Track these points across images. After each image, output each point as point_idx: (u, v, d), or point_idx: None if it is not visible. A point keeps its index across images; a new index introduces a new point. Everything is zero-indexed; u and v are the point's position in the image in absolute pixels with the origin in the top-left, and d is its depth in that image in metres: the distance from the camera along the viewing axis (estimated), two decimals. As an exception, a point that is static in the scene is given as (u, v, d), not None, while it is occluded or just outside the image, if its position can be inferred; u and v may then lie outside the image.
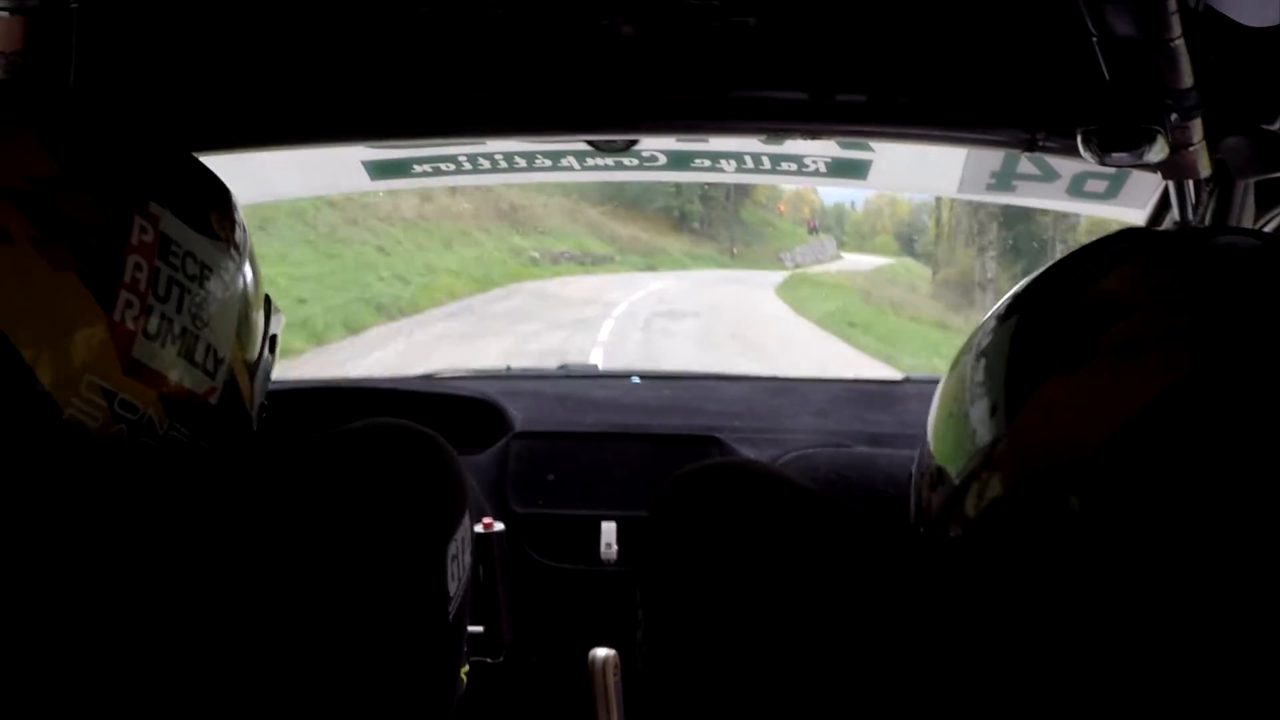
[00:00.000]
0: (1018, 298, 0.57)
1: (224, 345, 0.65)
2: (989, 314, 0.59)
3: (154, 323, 0.60)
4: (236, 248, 0.67)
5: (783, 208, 29.96)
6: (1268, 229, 1.12)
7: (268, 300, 0.74)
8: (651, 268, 22.24)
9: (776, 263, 29.28)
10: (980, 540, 0.53)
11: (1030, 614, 0.48)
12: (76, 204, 0.58)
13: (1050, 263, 0.59)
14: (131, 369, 0.59)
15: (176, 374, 0.61)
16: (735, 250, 28.39)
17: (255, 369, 0.71)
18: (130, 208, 0.60)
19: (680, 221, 27.56)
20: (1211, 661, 0.44)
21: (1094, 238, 0.59)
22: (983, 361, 0.56)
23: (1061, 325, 0.52)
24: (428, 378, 1.90)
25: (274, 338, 0.74)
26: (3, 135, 0.59)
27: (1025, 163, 1.50)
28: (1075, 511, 0.48)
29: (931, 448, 0.59)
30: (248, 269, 0.69)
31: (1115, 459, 0.47)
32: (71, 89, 0.86)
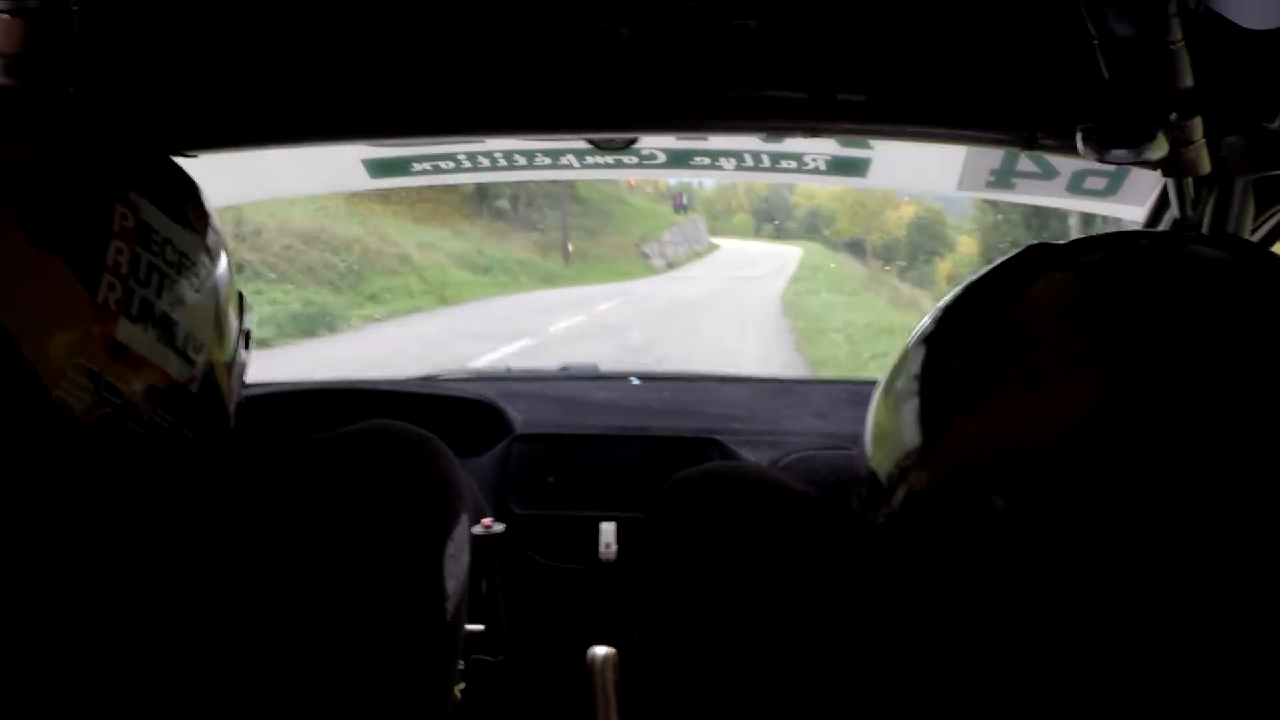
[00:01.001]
0: (933, 322, 0.57)
1: (202, 333, 0.66)
2: (914, 330, 0.59)
3: (136, 307, 0.61)
4: (210, 241, 0.69)
5: (632, 181, 20.74)
6: (1267, 227, 1.12)
7: (241, 297, 0.75)
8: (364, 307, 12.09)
9: (638, 261, 22.84)
10: (899, 531, 0.53)
11: (954, 610, 0.48)
12: (59, 190, 0.59)
13: (968, 281, 0.59)
14: (116, 352, 0.60)
15: (159, 359, 0.62)
16: (571, 246, 20.47)
17: (232, 362, 0.72)
18: (110, 195, 0.61)
19: (479, 202, 17.99)
20: (1121, 665, 0.45)
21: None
22: (899, 384, 0.56)
23: (970, 356, 0.52)
24: (428, 379, 1.90)
25: (248, 333, 0.75)
26: None
27: (1025, 160, 1.50)
28: (993, 518, 0.48)
29: (867, 453, 0.59)
30: (222, 263, 0.70)
31: (1028, 490, 0.47)
32: (64, 91, 0.86)
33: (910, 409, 0.54)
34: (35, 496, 0.55)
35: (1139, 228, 1.38)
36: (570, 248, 20.88)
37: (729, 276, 21.89)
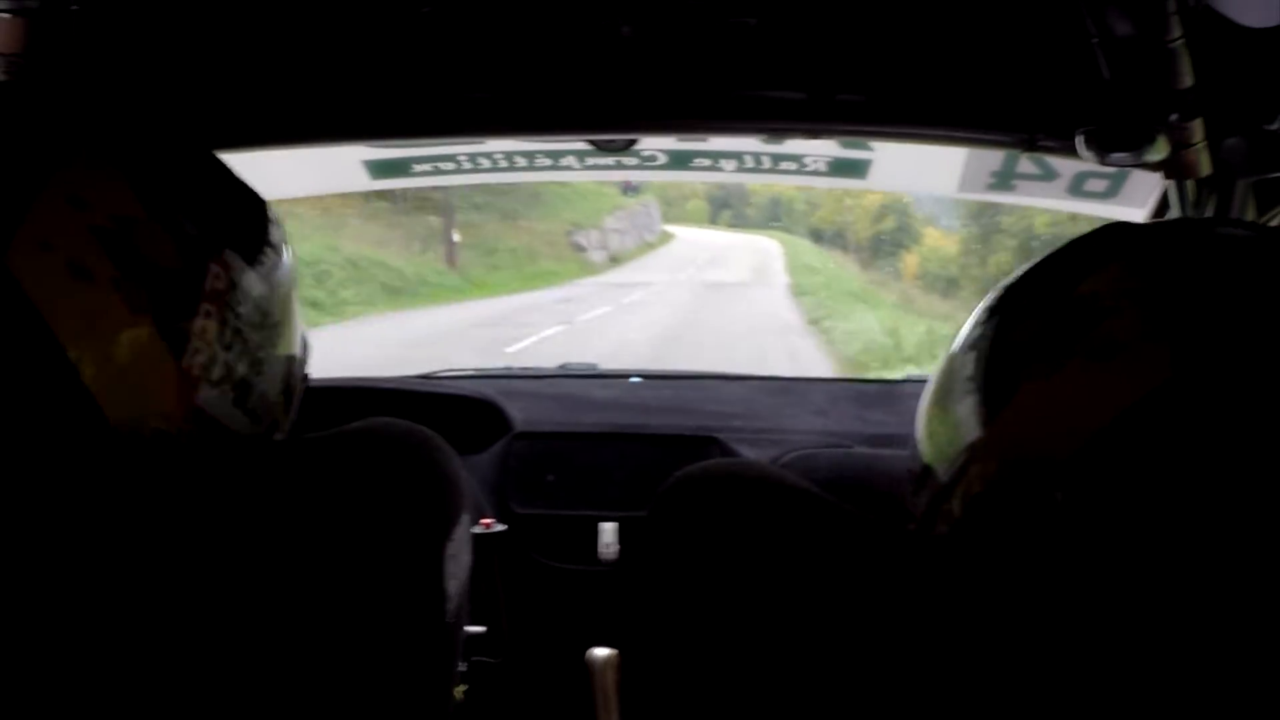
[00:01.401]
0: (1001, 295, 0.57)
1: (273, 390, 0.66)
2: (978, 307, 0.59)
3: (217, 371, 0.60)
4: (286, 286, 0.67)
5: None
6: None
7: (304, 340, 0.74)
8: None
9: (569, 256, 18.41)
10: (964, 539, 0.53)
11: (1015, 613, 0.48)
12: (156, 247, 0.57)
13: (1036, 259, 0.59)
14: (192, 416, 0.59)
15: (231, 421, 0.62)
16: (458, 238, 14.95)
17: (292, 404, 0.71)
18: (206, 254, 0.60)
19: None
20: (1195, 657, 0.45)
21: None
22: (969, 357, 0.56)
23: (1039, 327, 0.52)
24: (427, 377, 1.90)
25: (305, 376, 0.74)
26: (91, 168, 0.58)
27: (1025, 162, 1.50)
28: (1053, 513, 0.48)
29: (920, 445, 0.59)
30: (295, 311, 0.69)
31: (1096, 461, 0.47)
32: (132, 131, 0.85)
33: (977, 375, 0.54)
34: (75, 510, 0.55)
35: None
36: (456, 239, 14.74)
37: (696, 281, 17.96)
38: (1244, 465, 0.44)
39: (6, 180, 0.55)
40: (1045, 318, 0.52)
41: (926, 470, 0.57)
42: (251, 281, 0.62)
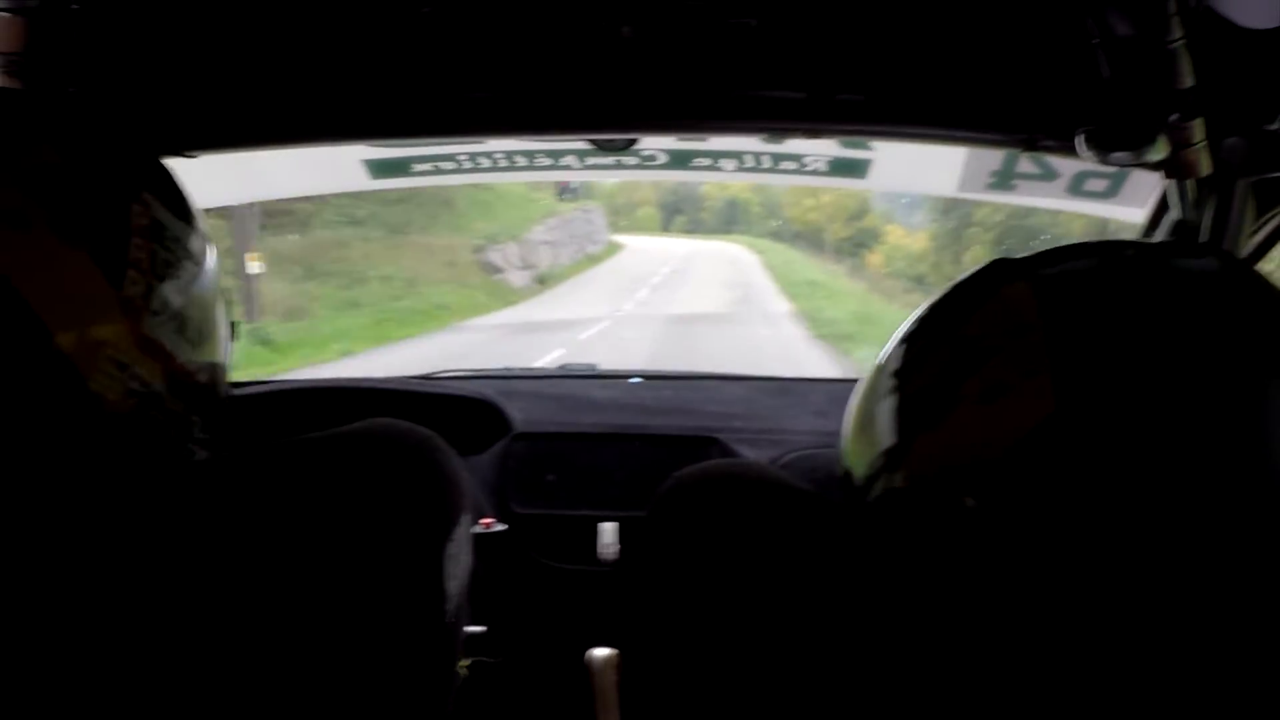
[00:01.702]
0: (898, 342, 0.59)
1: (210, 326, 0.70)
2: (888, 345, 0.61)
3: (157, 301, 0.64)
4: (207, 237, 0.72)
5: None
6: (1267, 229, 1.12)
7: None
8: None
9: (477, 277, 13.23)
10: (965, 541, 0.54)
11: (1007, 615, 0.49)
12: (80, 190, 0.62)
13: (932, 299, 0.60)
14: (142, 344, 0.63)
15: (177, 350, 0.66)
16: (262, 268, 10.00)
17: (229, 350, 0.75)
18: (127, 194, 0.64)
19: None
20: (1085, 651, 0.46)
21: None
22: (872, 387, 0.58)
23: (927, 376, 0.54)
24: (427, 378, 1.90)
25: (234, 324, 0.79)
26: (5, 130, 0.62)
27: (1025, 162, 1.50)
28: (956, 525, 0.50)
29: (844, 450, 0.61)
30: (215, 258, 0.74)
31: (990, 495, 0.49)
32: (64, 91, 0.88)
33: (883, 414, 0.56)
34: (71, 486, 0.56)
35: (1136, 229, 1.38)
36: (255, 270, 10.21)
37: (651, 315, 12.54)
38: (1126, 488, 0.46)
39: None
40: (934, 364, 0.54)
41: (847, 474, 0.59)
42: (173, 221, 0.67)
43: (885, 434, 0.55)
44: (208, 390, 0.69)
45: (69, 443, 0.59)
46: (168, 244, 0.65)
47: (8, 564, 0.52)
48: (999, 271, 0.56)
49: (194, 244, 0.69)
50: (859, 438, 0.58)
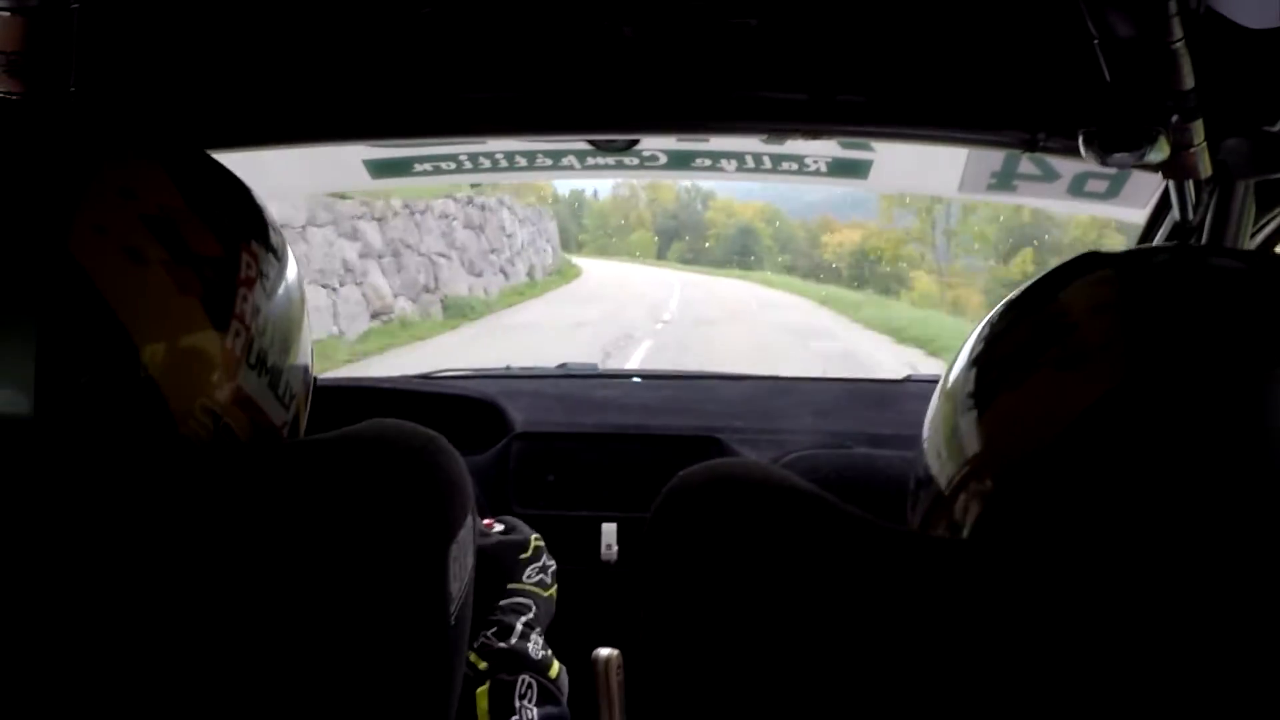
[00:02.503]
0: (993, 317, 0.63)
1: (297, 382, 0.70)
2: (980, 323, 0.65)
3: (255, 354, 0.64)
4: (303, 292, 0.72)
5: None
6: (1268, 230, 1.12)
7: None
8: None
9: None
10: (966, 548, 0.56)
11: (1010, 615, 0.48)
12: (197, 234, 0.61)
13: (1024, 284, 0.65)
14: (237, 397, 0.62)
15: (267, 405, 0.65)
16: None
17: (308, 402, 0.74)
18: (238, 241, 0.64)
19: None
20: (1176, 656, 0.46)
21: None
22: (970, 374, 0.61)
23: (1018, 342, 0.58)
24: (427, 377, 1.90)
25: (315, 379, 0.78)
26: (135, 164, 0.62)
27: (1026, 162, 1.50)
28: (1032, 505, 0.53)
29: (925, 453, 0.64)
30: (307, 310, 0.73)
31: (1061, 458, 0.52)
32: (69, 92, 0.88)
33: (966, 422, 0.59)
34: (120, 486, 0.56)
35: (1139, 229, 1.38)
36: None
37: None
38: (1188, 458, 0.49)
39: (60, 173, 0.58)
40: (1020, 334, 0.59)
41: (930, 479, 0.62)
42: (276, 271, 0.66)
43: (970, 442, 0.58)
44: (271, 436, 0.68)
45: (151, 482, 0.58)
46: (268, 296, 0.65)
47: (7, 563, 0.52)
48: (1088, 261, 0.61)
49: (292, 292, 0.68)
50: (945, 444, 0.61)
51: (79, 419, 0.56)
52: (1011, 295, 0.64)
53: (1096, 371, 0.53)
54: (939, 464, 0.61)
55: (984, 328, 0.63)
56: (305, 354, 0.71)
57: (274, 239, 0.68)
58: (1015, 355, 0.57)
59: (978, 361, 0.61)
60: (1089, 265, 0.60)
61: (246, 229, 0.65)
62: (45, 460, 0.56)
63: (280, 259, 0.67)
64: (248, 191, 0.69)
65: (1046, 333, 0.57)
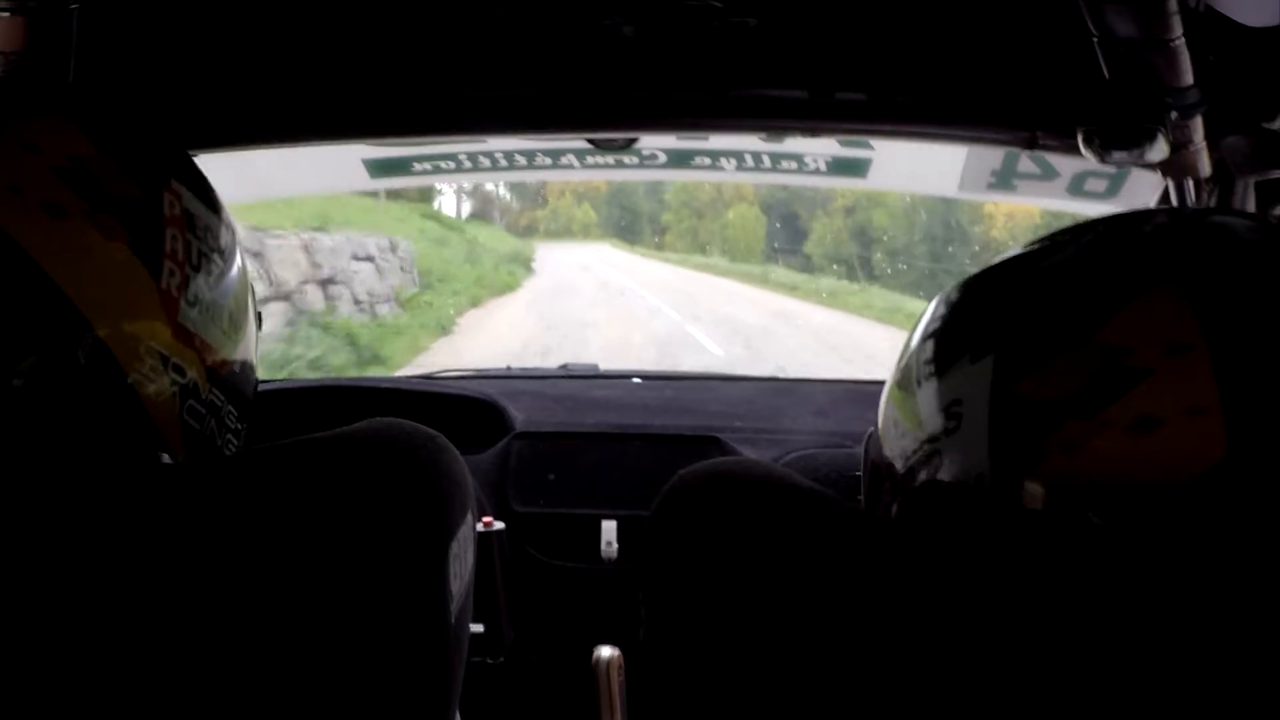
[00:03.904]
0: (929, 331, 0.56)
1: (240, 314, 0.70)
2: (922, 318, 0.58)
3: (192, 291, 0.64)
4: (233, 226, 0.72)
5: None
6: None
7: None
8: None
9: None
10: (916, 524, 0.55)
11: (1016, 617, 0.48)
12: (113, 179, 0.61)
13: (1023, 256, 0.55)
14: (179, 334, 0.63)
15: (213, 339, 0.66)
16: None
17: (257, 341, 0.76)
18: (158, 183, 0.64)
19: None
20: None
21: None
22: (915, 372, 0.56)
23: (1055, 384, 0.47)
24: (428, 377, 1.91)
25: (259, 314, 0.79)
26: (35, 118, 0.62)
27: (1026, 161, 1.50)
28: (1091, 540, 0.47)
29: (885, 449, 0.60)
30: (240, 247, 0.74)
31: (1147, 518, 0.45)
32: (72, 87, 0.88)
33: (925, 401, 0.55)
34: (96, 481, 0.57)
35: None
36: None
37: None
38: None
39: None
40: (1062, 370, 0.47)
41: (888, 465, 0.59)
42: (203, 211, 0.67)
43: (930, 421, 0.54)
44: (241, 380, 0.70)
45: (104, 436, 0.59)
46: (199, 233, 0.65)
47: (7, 561, 0.52)
48: (1133, 262, 0.49)
49: (223, 234, 0.68)
50: (896, 428, 0.58)
51: (29, 389, 0.57)
52: (988, 285, 0.55)
53: (1183, 443, 0.43)
54: (897, 446, 0.57)
55: (927, 338, 0.56)
56: (245, 285, 0.71)
57: (198, 179, 0.68)
58: (1062, 404, 0.47)
59: (995, 402, 0.50)
60: (1136, 269, 0.48)
61: (166, 170, 0.65)
62: (11, 443, 0.56)
63: (207, 201, 0.68)
64: (165, 136, 0.70)
65: (1107, 379, 0.45)
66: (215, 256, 0.66)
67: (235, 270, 0.69)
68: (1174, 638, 0.43)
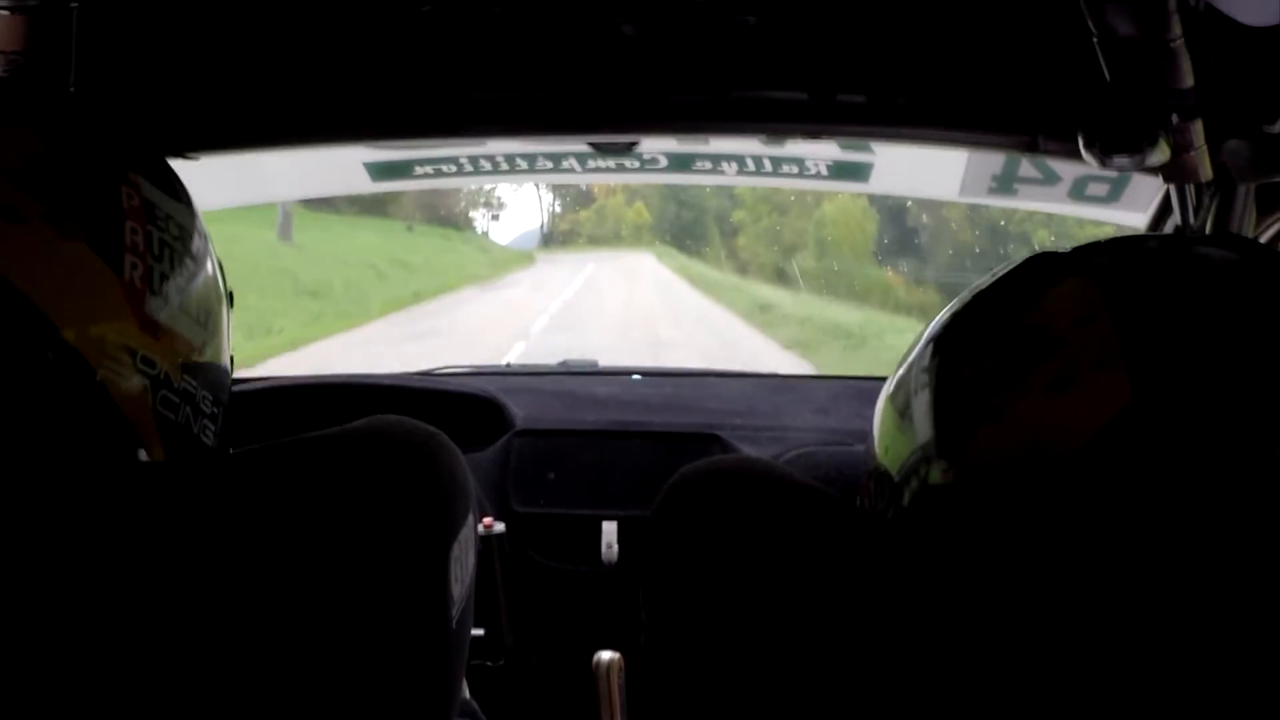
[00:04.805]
0: (943, 328, 0.59)
1: (212, 298, 0.70)
2: (921, 338, 0.60)
3: (156, 281, 0.64)
4: (197, 213, 0.72)
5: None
6: (1269, 233, 1.12)
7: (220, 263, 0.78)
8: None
9: None
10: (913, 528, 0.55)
11: (1016, 615, 0.48)
12: (69, 178, 0.62)
13: (976, 287, 0.60)
14: (147, 327, 0.63)
15: (182, 329, 0.66)
16: None
17: (229, 322, 0.76)
18: (114, 177, 0.64)
19: None
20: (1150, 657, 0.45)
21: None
22: (909, 381, 0.58)
23: (986, 364, 0.53)
24: (427, 374, 1.90)
25: (230, 294, 0.79)
26: None
27: (1027, 166, 1.50)
28: (1009, 523, 0.50)
29: (875, 448, 0.61)
30: (206, 233, 0.74)
31: (1076, 482, 0.48)
32: (62, 89, 0.89)
33: (921, 407, 0.56)
34: (83, 485, 0.56)
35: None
36: None
37: None
38: (1210, 484, 0.46)
39: None
40: (992, 352, 0.54)
41: (883, 473, 0.59)
42: (163, 199, 0.66)
43: (923, 429, 0.55)
44: (214, 365, 0.70)
45: (78, 438, 0.58)
46: (160, 223, 0.65)
47: (6, 560, 0.52)
48: (1049, 263, 0.56)
49: (186, 221, 0.68)
50: (893, 435, 0.59)
51: (7, 405, 0.57)
52: (960, 305, 0.59)
53: (1096, 394, 0.48)
54: (892, 457, 0.58)
55: (933, 341, 0.58)
56: (213, 268, 0.71)
57: (156, 167, 0.68)
58: (991, 379, 0.52)
59: (939, 391, 0.55)
60: (1052, 273, 0.55)
61: (121, 161, 0.65)
62: None
63: (167, 188, 0.67)
64: (123, 129, 0.69)
65: (1026, 352, 0.52)
66: (178, 244, 0.66)
67: (200, 254, 0.69)
68: (1117, 591, 0.47)
